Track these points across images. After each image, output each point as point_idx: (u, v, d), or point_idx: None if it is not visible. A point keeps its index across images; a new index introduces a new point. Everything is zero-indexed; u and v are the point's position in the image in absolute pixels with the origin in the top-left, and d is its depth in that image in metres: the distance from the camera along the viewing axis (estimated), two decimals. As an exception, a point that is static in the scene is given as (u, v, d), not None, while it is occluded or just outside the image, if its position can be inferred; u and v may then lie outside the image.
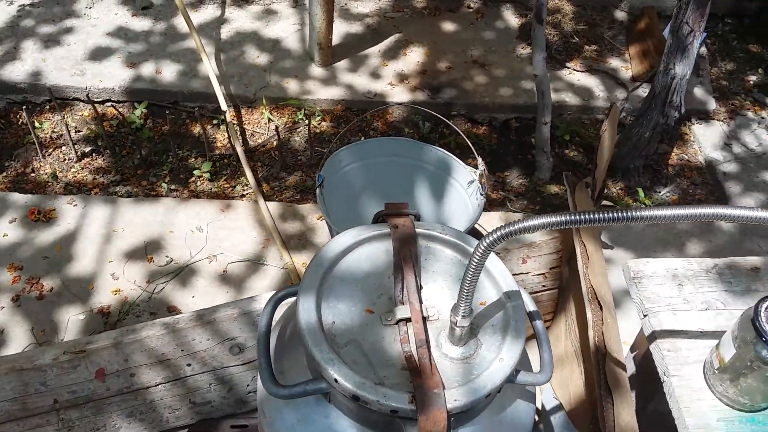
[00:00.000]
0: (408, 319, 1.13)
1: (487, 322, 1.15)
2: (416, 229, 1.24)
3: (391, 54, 3.15)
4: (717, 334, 1.39)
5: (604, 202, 2.67)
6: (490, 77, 3.07)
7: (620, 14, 3.48)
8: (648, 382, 1.65)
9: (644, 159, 2.71)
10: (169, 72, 2.95)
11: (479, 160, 2.03)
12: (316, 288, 1.14)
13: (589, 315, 1.55)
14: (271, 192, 2.59)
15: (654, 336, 1.40)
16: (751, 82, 3.20)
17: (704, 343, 1.38)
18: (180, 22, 3.18)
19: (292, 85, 2.95)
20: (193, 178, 2.63)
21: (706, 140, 2.92)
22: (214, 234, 2.38)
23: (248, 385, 1.86)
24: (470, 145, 2.08)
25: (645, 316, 1.44)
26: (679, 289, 1.47)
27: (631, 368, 1.67)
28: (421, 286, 1.19)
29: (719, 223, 2.61)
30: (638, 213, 0.96)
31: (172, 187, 2.59)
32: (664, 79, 2.43)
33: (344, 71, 3.04)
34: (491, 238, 0.97)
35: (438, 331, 1.13)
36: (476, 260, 1.00)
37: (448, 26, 3.33)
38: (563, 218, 0.95)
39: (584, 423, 1.78)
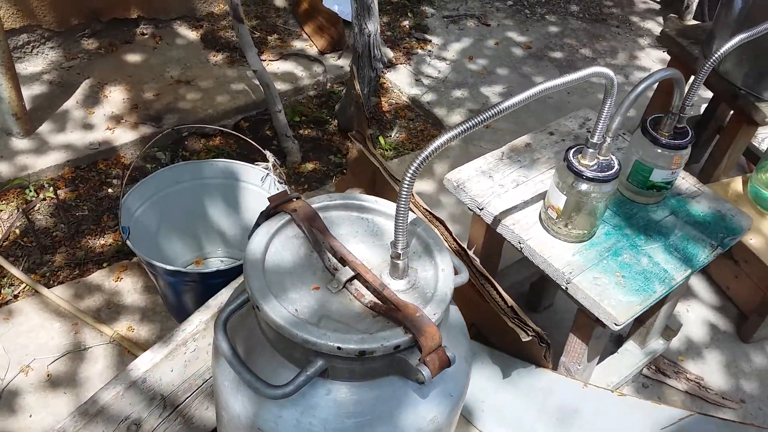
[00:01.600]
0: (351, 279, 1.24)
1: (410, 251, 1.31)
2: (315, 205, 1.34)
3: (92, 101, 3.00)
4: (535, 198, 1.75)
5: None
6: (201, 90, 3.11)
7: (280, 2, 3.75)
8: (487, 268, 1.98)
9: (367, 113, 3.05)
10: None
11: (267, 153, 2.13)
12: (266, 288, 1.18)
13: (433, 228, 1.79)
14: (44, 280, 2.34)
15: (497, 219, 1.70)
16: (407, 26, 3.75)
17: (531, 208, 1.72)
18: None
19: (1, 167, 2.65)
20: (-58, 305, 2.25)
21: (401, 82, 3.37)
22: (12, 345, 2.10)
23: (155, 459, 1.75)
24: (252, 142, 2.16)
25: (482, 209, 1.74)
26: (492, 179, 1.80)
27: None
28: (341, 250, 1.30)
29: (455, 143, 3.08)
30: (503, 105, 1.20)
31: None
32: (362, 39, 2.76)
33: (53, 134, 2.82)
34: (414, 166, 1.13)
35: (378, 276, 1.26)
36: (405, 191, 1.15)
37: (133, 57, 3.26)
38: (462, 128, 1.15)
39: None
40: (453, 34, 3.77)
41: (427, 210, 1.86)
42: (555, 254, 1.61)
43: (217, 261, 2.39)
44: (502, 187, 1.77)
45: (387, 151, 3.01)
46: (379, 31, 2.78)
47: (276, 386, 1.14)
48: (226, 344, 1.19)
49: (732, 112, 2.40)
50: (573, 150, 1.55)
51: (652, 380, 2.21)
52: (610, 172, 1.52)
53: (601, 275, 1.57)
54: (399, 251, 1.22)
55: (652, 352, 2.07)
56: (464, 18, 3.90)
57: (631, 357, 2.03)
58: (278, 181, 2.14)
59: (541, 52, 3.71)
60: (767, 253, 2.26)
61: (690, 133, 1.66)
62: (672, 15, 3.82)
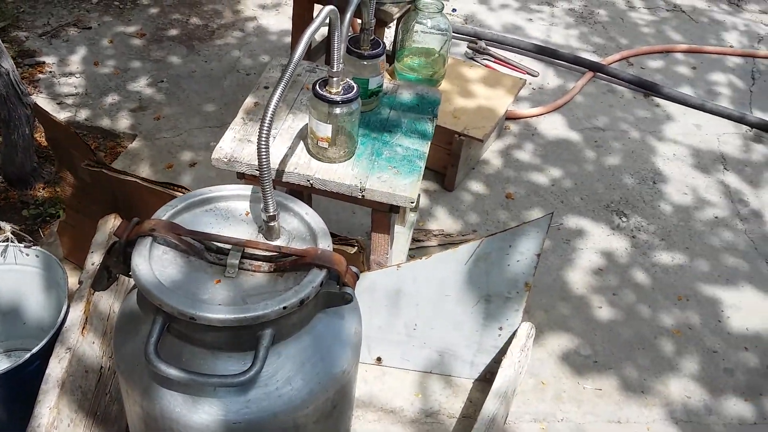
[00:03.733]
0: (242, 258, 1.33)
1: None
2: (163, 217, 1.37)
3: None
4: (295, 141, 1.96)
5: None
6: None
7: None
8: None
9: (34, 152, 2.81)
10: None
11: (1, 223, 1.92)
12: (187, 300, 1.22)
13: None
14: None
15: (279, 171, 1.88)
16: (12, 56, 3.42)
17: (297, 150, 1.93)
18: None
19: None
20: None
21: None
22: None
23: None
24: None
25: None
26: (251, 142, 1.94)
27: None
28: (210, 242, 1.37)
29: (139, 144, 3.02)
30: (293, 62, 1.38)
31: None
32: (1, 81, 2.51)
33: None
34: (265, 129, 1.27)
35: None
36: (263, 155, 1.29)
37: None
38: (285, 78, 1.31)
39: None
40: (62, 48, 3.57)
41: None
42: (340, 175, 1.87)
43: (-16, 365, 2.09)
44: (252, 142, 1.93)
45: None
46: (14, 66, 2.57)
47: (240, 373, 1.22)
48: (174, 369, 1.21)
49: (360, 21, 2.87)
50: (317, 85, 1.79)
51: (413, 249, 2.67)
52: (355, 90, 1.80)
53: (381, 174, 1.88)
54: (272, 213, 1.36)
55: (412, 223, 2.51)
56: (62, 30, 3.70)
57: (402, 236, 2.43)
58: (25, 246, 1.96)
59: (156, 35, 3.75)
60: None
61: (380, 42, 2.03)
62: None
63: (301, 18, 3.02)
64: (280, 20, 4.00)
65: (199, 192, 1.46)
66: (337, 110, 1.79)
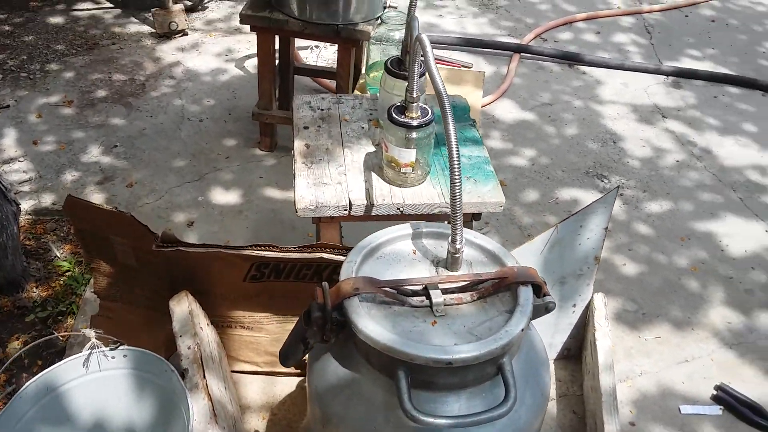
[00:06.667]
0: (445, 293, 1.34)
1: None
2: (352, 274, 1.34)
3: None
4: (366, 174, 1.96)
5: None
6: None
7: None
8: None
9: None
10: None
11: (85, 331, 1.75)
12: (431, 346, 1.21)
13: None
14: None
15: (368, 206, 1.87)
16: None
17: (373, 182, 1.93)
18: None
19: None
20: None
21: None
22: None
23: None
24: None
25: (348, 208, 1.87)
26: (326, 185, 1.92)
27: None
28: (402, 288, 1.37)
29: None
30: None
31: None
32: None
33: None
34: (453, 145, 1.28)
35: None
36: (457, 185, 1.30)
37: None
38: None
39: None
40: (-15, 132, 3.24)
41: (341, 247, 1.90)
42: (427, 196, 1.89)
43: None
44: (340, 185, 1.91)
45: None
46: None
47: (498, 405, 1.24)
48: (441, 418, 1.21)
49: (337, 45, 2.88)
50: (393, 113, 1.81)
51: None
52: (431, 112, 1.84)
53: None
54: (459, 246, 1.38)
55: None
56: (-26, 113, 3.36)
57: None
58: (110, 349, 1.81)
59: (84, 99, 3.50)
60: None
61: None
62: (156, 9, 3.99)
63: (266, 51, 2.96)
64: (205, 60, 3.87)
65: (366, 242, 1.44)
66: (415, 135, 1.82)
